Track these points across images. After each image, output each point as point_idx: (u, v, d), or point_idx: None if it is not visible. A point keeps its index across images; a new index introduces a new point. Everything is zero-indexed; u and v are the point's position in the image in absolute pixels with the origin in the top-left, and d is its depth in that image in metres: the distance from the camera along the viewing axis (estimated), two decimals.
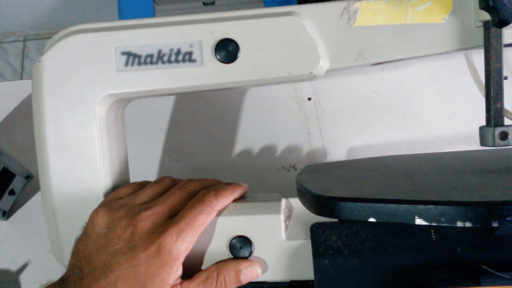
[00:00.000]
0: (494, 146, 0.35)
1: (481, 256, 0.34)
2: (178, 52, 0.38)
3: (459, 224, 0.28)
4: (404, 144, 0.57)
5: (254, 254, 0.39)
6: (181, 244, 0.35)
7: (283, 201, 0.41)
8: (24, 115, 0.62)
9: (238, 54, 0.38)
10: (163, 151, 0.59)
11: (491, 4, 0.33)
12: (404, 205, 0.30)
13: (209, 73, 0.38)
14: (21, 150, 0.59)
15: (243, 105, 0.61)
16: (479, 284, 0.32)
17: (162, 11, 1.17)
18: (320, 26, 0.38)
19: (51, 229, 0.41)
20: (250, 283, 0.39)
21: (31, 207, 0.57)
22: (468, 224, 0.28)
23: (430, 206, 0.29)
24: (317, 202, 0.34)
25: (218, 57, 0.38)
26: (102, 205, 0.38)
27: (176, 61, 0.38)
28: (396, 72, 0.61)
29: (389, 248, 0.36)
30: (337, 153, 0.58)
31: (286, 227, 0.40)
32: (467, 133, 0.57)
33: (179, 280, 0.36)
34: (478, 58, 0.47)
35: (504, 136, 0.35)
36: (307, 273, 0.38)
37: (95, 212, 0.37)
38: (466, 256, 0.34)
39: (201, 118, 0.61)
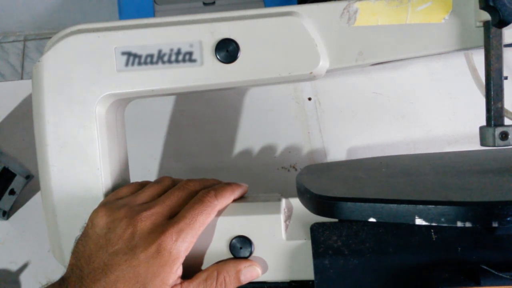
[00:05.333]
0: (494, 146, 0.35)
1: (481, 256, 0.34)
2: (178, 52, 0.38)
3: (459, 224, 0.28)
4: (404, 144, 0.57)
5: (254, 254, 0.39)
6: (181, 244, 0.35)
7: (283, 201, 0.41)
8: (24, 115, 0.62)
9: (238, 54, 0.38)
10: (163, 151, 0.59)
11: (491, 4, 0.33)
12: (404, 205, 0.30)
13: (209, 73, 0.38)
14: (21, 150, 0.59)
15: (243, 105, 0.61)
16: (479, 284, 0.32)
17: (162, 11, 1.17)
18: (320, 26, 0.38)
19: (51, 229, 0.41)
20: (250, 283, 0.39)
21: (31, 207, 0.57)
22: (468, 224, 0.28)
23: (430, 206, 0.29)
24: (317, 202, 0.34)
25: (218, 57, 0.38)
26: (102, 205, 0.38)
27: (176, 61, 0.38)
28: (396, 72, 0.61)
29: (389, 248, 0.36)
30: (337, 153, 0.57)
31: (286, 227, 0.40)
32: (467, 133, 0.57)
33: (179, 280, 0.36)
34: (478, 58, 0.47)
35: (504, 136, 0.35)
36: (307, 273, 0.38)
37: (95, 212, 0.37)
38: (466, 256, 0.34)
39: (201, 118, 0.61)
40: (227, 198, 0.40)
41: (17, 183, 0.56)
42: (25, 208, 0.57)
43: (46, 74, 0.39)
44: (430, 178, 0.38)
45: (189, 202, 0.38)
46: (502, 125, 0.35)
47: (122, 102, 0.43)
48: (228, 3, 1.19)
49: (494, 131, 0.35)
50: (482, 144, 0.36)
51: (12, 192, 0.55)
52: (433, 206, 0.29)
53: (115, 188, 0.41)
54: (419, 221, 0.29)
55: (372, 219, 0.31)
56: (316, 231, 0.37)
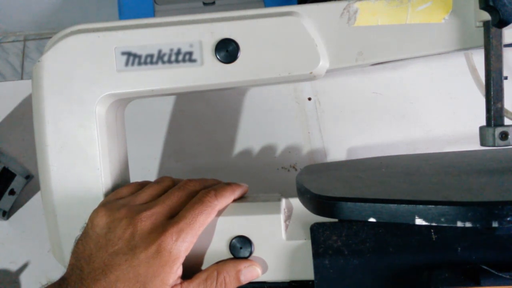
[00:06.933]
0: (494, 146, 0.35)
1: (481, 256, 0.34)
2: (178, 52, 0.38)
3: (459, 224, 0.28)
4: (404, 144, 0.57)
5: (254, 254, 0.39)
6: (181, 244, 0.35)
7: (283, 201, 0.41)
8: (24, 115, 0.62)
9: (238, 54, 0.38)
10: (163, 151, 0.59)
11: (491, 4, 0.33)
12: (404, 205, 0.30)
13: (209, 73, 0.38)
14: (21, 150, 0.59)
15: (243, 105, 0.61)
16: (479, 284, 0.32)
17: (162, 11, 1.17)
18: (320, 26, 0.38)
19: (51, 229, 0.41)
20: (250, 283, 0.39)
21: (31, 207, 0.57)
22: (468, 224, 0.28)
23: (430, 206, 0.29)
24: (317, 202, 0.34)
25: (218, 57, 0.38)
26: (102, 205, 0.38)
27: (176, 61, 0.38)
28: (396, 72, 0.61)
29: (389, 248, 0.36)
30: (337, 153, 0.57)
31: (286, 227, 0.40)
32: (467, 133, 0.57)
33: (179, 280, 0.36)
34: (478, 58, 0.47)
35: (504, 136, 0.35)
36: (307, 273, 0.38)
37: (95, 212, 0.37)
38: (466, 256, 0.34)
39: (201, 118, 0.61)
40: (227, 198, 0.40)
41: (17, 183, 0.56)
42: (25, 208, 0.57)
43: (46, 74, 0.39)
44: (430, 178, 0.38)
45: (189, 202, 0.38)
46: (502, 125, 0.35)
47: (122, 102, 0.43)
48: (228, 3, 1.19)
49: (494, 131, 0.35)
50: (482, 144, 0.36)
51: (12, 192, 0.55)
52: (433, 206, 0.29)
53: (115, 188, 0.41)
54: (419, 221, 0.29)
55: (372, 219, 0.31)
56: (316, 231, 0.37)
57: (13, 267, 0.54)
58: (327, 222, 0.37)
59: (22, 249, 0.54)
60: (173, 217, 0.36)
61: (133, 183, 0.42)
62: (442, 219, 0.29)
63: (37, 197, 0.57)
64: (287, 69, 0.38)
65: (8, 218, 0.56)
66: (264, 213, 0.39)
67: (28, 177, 0.57)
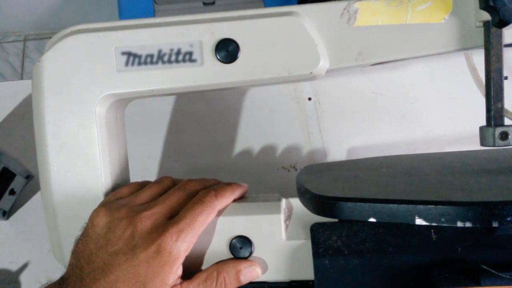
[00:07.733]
0: (494, 146, 0.35)
1: (481, 256, 0.34)
2: (178, 52, 0.38)
3: (459, 224, 0.28)
4: (404, 144, 0.57)
5: (254, 254, 0.39)
6: (181, 244, 0.35)
7: (283, 201, 0.41)
8: (24, 115, 0.62)
9: (238, 54, 0.38)
10: (163, 151, 0.59)
11: (491, 4, 0.33)
12: (404, 205, 0.30)
13: (209, 73, 0.38)
14: (21, 150, 0.59)
15: (243, 105, 0.61)
16: (479, 284, 0.32)
17: (162, 11, 1.17)
18: (320, 26, 0.38)
19: (51, 229, 0.41)
20: (250, 283, 0.39)
21: (31, 207, 0.57)
22: (468, 224, 0.28)
23: (430, 206, 0.29)
24: (317, 202, 0.34)
25: (218, 57, 0.38)
26: (102, 205, 0.38)
27: (176, 61, 0.38)
28: (396, 72, 0.61)
29: (389, 248, 0.36)
30: (337, 153, 0.57)
31: (286, 227, 0.40)
32: (467, 133, 0.57)
33: (179, 280, 0.36)
34: (478, 58, 0.47)
35: (504, 136, 0.35)
36: (307, 273, 0.38)
37: (95, 212, 0.37)
38: (466, 256, 0.34)
39: (201, 118, 0.61)
40: (227, 198, 0.40)
41: (17, 183, 0.55)
42: (25, 208, 0.57)
43: (46, 74, 0.39)
44: (430, 178, 0.38)
45: (189, 202, 0.38)
46: (502, 125, 0.35)
47: (122, 102, 0.43)
48: (228, 3, 1.19)
49: (494, 131, 0.35)
50: (482, 144, 0.36)
51: (12, 192, 0.55)
52: (433, 206, 0.29)
53: (115, 188, 0.41)
54: (419, 221, 0.29)
55: (372, 219, 0.31)
56: (316, 231, 0.37)
57: (13, 267, 0.54)
58: (327, 222, 0.37)
59: (22, 249, 0.54)
60: (173, 217, 0.36)
61: (133, 183, 0.42)
62: (442, 219, 0.29)
63: (37, 197, 0.57)
64: (287, 69, 0.38)
65: (8, 218, 0.56)
66: (264, 213, 0.39)
67: (28, 177, 0.57)
